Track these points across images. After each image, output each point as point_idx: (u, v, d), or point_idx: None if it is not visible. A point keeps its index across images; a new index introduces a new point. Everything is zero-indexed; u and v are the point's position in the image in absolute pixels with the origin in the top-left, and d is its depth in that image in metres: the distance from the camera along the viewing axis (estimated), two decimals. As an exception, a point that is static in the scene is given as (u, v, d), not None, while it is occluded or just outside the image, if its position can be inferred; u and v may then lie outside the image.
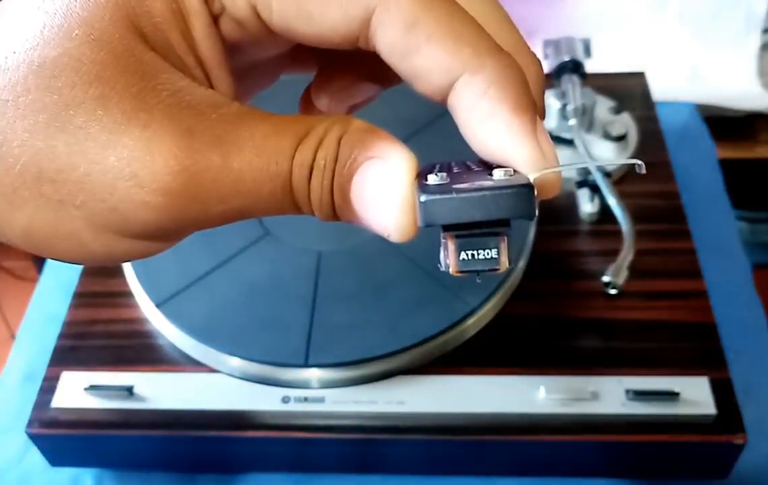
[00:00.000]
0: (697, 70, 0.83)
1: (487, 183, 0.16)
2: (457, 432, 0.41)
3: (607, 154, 0.53)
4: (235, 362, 0.43)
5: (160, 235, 0.17)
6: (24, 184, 0.16)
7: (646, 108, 0.58)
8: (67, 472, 0.47)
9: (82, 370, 0.44)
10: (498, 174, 0.16)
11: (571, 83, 0.55)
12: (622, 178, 0.53)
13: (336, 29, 0.17)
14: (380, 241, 0.47)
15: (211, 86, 0.18)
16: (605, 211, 0.50)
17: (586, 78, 0.56)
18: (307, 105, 0.22)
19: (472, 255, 0.17)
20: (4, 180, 0.16)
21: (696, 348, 0.43)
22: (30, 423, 0.42)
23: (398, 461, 0.44)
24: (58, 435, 0.42)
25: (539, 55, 0.59)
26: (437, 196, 0.16)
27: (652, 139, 0.56)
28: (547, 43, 0.59)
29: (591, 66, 0.57)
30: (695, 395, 0.40)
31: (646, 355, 0.43)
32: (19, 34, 0.16)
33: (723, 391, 0.41)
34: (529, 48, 0.18)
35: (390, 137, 0.17)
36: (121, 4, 0.16)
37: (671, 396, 0.40)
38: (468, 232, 0.16)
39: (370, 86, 0.22)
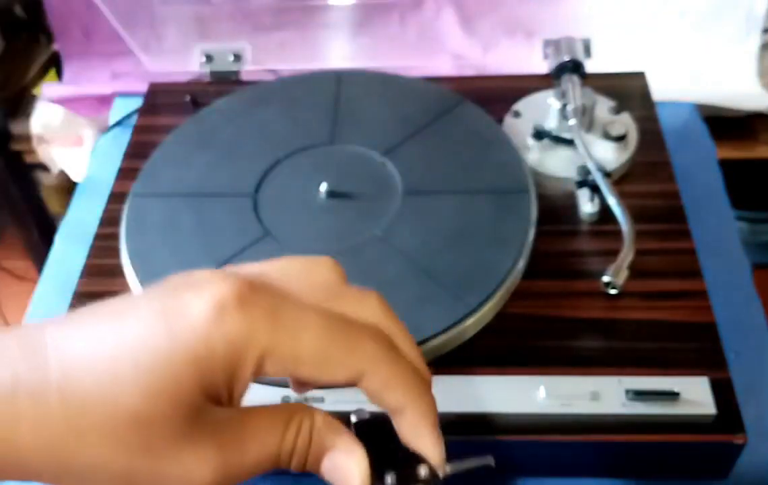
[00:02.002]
0: (697, 70, 0.83)
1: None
2: (458, 432, 0.41)
3: (607, 154, 0.53)
4: (235, 362, 0.43)
5: None
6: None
7: (646, 108, 0.58)
8: (67, 472, 0.47)
9: (82, 370, 0.44)
10: (423, 469, 0.27)
11: (571, 83, 0.55)
12: (622, 178, 0.53)
13: (339, 381, 0.25)
14: (380, 241, 0.47)
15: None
16: (605, 211, 0.50)
17: (586, 78, 0.56)
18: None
19: None
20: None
21: (696, 348, 0.43)
22: (30, 423, 0.42)
23: (398, 461, 0.44)
24: (58, 435, 0.42)
25: (539, 55, 0.60)
26: None
27: (652, 139, 0.56)
28: (547, 43, 0.59)
29: (591, 66, 0.57)
30: (695, 395, 0.40)
31: (646, 355, 0.43)
32: (116, 384, 0.21)
33: (723, 391, 0.41)
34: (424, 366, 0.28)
35: (348, 433, 0.26)
36: (197, 375, 0.22)
37: (671, 396, 0.40)
38: None
39: None
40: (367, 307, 0.26)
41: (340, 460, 0.25)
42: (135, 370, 0.21)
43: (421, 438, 0.26)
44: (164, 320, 0.22)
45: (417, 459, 0.27)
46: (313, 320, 0.23)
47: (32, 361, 0.21)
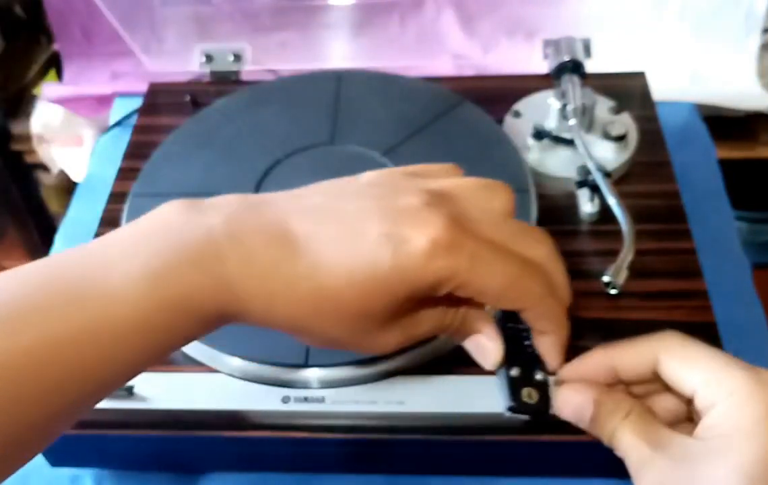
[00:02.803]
0: (697, 70, 0.83)
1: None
2: (457, 432, 0.41)
3: (607, 154, 0.53)
4: (236, 362, 0.43)
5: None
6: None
7: (646, 108, 0.58)
8: (67, 472, 0.47)
9: (82, 370, 0.44)
10: (540, 374, 0.34)
11: (571, 83, 0.55)
12: (622, 178, 0.53)
13: (507, 309, 0.33)
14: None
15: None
16: (605, 211, 0.50)
17: (586, 78, 0.56)
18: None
19: None
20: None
21: (696, 348, 0.43)
22: (30, 423, 0.42)
23: (398, 461, 0.44)
24: (58, 435, 0.42)
25: (539, 55, 0.60)
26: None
27: (652, 139, 0.56)
28: (547, 43, 0.59)
29: (591, 66, 0.57)
30: (695, 395, 0.40)
31: (646, 355, 0.43)
32: (351, 288, 0.29)
33: (723, 391, 0.41)
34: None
35: (493, 324, 0.33)
36: (407, 291, 0.29)
37: (671, 396, 0.40)
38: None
39: None
40: (538, 249, 0.32)
41: (482, 341, 0.33)
42: (364, 282, 0.28)
43: (552, 355, 0.33)
44: (390, 248, 0.28)
45: (537, 362, 0.33)
46: (500, 265, 0.30)
47: (285, 254, 0.29)
